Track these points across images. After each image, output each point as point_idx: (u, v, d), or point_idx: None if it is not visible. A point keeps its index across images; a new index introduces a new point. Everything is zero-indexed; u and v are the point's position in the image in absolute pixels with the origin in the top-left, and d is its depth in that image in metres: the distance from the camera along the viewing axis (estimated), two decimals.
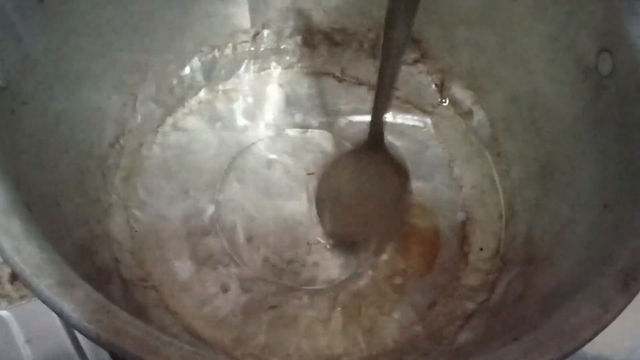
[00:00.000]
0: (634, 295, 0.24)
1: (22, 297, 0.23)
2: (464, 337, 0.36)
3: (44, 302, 0.22)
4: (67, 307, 0.22)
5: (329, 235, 0.40)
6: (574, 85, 0.35)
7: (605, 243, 0.28)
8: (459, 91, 0.44)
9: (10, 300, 0.23)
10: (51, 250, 0.23)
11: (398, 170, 0.41)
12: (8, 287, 0.23)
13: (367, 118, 0.45)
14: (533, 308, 0.31)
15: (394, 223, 0.41)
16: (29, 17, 0.31)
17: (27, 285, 0.22)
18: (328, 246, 0.40)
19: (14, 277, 0.23)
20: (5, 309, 0.23)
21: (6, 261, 0.22)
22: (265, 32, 0.45)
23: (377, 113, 0.38)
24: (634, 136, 0.30)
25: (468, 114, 0.44)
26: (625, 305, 0.24)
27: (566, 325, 0.24)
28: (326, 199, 0.41)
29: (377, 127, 0.39)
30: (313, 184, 0.42)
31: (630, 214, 0.28)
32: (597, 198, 0.31)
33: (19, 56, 0.30)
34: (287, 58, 0.46)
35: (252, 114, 0.44)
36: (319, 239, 0.40)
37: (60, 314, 0.21)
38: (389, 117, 0.45)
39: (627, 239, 0.26)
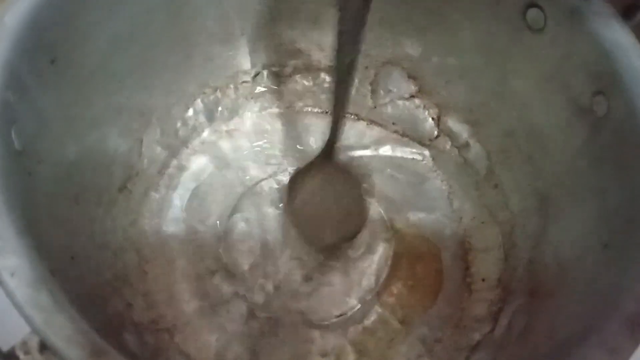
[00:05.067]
0: None
1: None
2: None
3: None
4: None
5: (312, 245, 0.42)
6: (570, 124, 0.36)
7: (609, 284, 0.29)
8: (455, 125, 0.45)
9: None
10: (80, 319, 0.24)
11: (350, 176, 0.44)
12: (38, 357, 0.24)
13: (367, 152, 0.46)
14: (540, 344, 0.32)
15: (359, 218, 0.43)
16: (42, 77, 0.32)
17: (58, 356, 0.23)
18: (341, 280, 0.41)
19: (43, 347, 0.24)
20: None
21: (37, 333, 0.23)
22: (265, 73, 0.46)
23: (334, 130, 0.41)
24: (632, 178, 0.31)
25: (465, 147, 0.45)
26: (633, 351, 0.25)
27: None
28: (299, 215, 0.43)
29: (332, 142, 0.42)
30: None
31: (632, 256, 0.29)
32: (597, 237, 0.32)
33: (33, 117, 0.31)
34: (288, 97, 0.47)
35: (255, 153, 0.45)
36: (326, 276, 0.41)
37: None
38: (388, 150, 0.46)
39: (631, 283, 0.27)
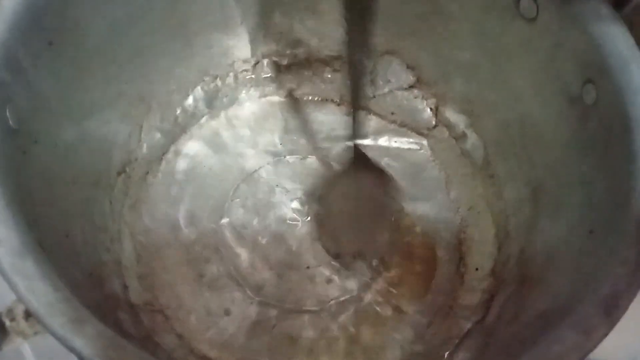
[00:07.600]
0: (616, 322, 0.26)
1: (36, 333, 0.25)
2: (460, 356, 0.37)
3: (57, 339, 0.23)
4: (79, 344, 0.23)
5: (333, 255, 0.42)
6: (561, 113, 0.36)
7: (592, 268, 0.29)
8: (452, 115, 0.46)
9: (24, 336, 0.25)
10: (63, 288, 0.25)
11: (385, 181, 0.45)
12: (23, 323, 0.25)
13: (366, 141, 0.47)
14: (526, 329, 0.33)
15: (387, 234, 0.43)
16: (39, 59, 0.32)
17: (40, 322, 0.24)
18: (333, 267, 0.41)
19: (28, 314, 0.25)
20: (20, 345, 0.25)
21: (21, 300, 0.24)
22: (265, 61, 0.47)
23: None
24: (616, 166, 0.31)
25: (462, 137, 0.45)
26: (608, 332, 0.25)
27: (550, 353, 0.25)
28: (325, 221, 0.43)
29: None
30: (313, 208, 0.43)
31: (614, 241, 0.29)
32: (583, 223, 0.33)
33: (29, 97, 0.32)
34: (287, 85, 0.47)
35: (254, 141, 0.46)
36: (319, 262, 0.41)
37: (72, 351, 0.23)
38: (386, 140, 0.47)
39: (610, 266, 0.28)
